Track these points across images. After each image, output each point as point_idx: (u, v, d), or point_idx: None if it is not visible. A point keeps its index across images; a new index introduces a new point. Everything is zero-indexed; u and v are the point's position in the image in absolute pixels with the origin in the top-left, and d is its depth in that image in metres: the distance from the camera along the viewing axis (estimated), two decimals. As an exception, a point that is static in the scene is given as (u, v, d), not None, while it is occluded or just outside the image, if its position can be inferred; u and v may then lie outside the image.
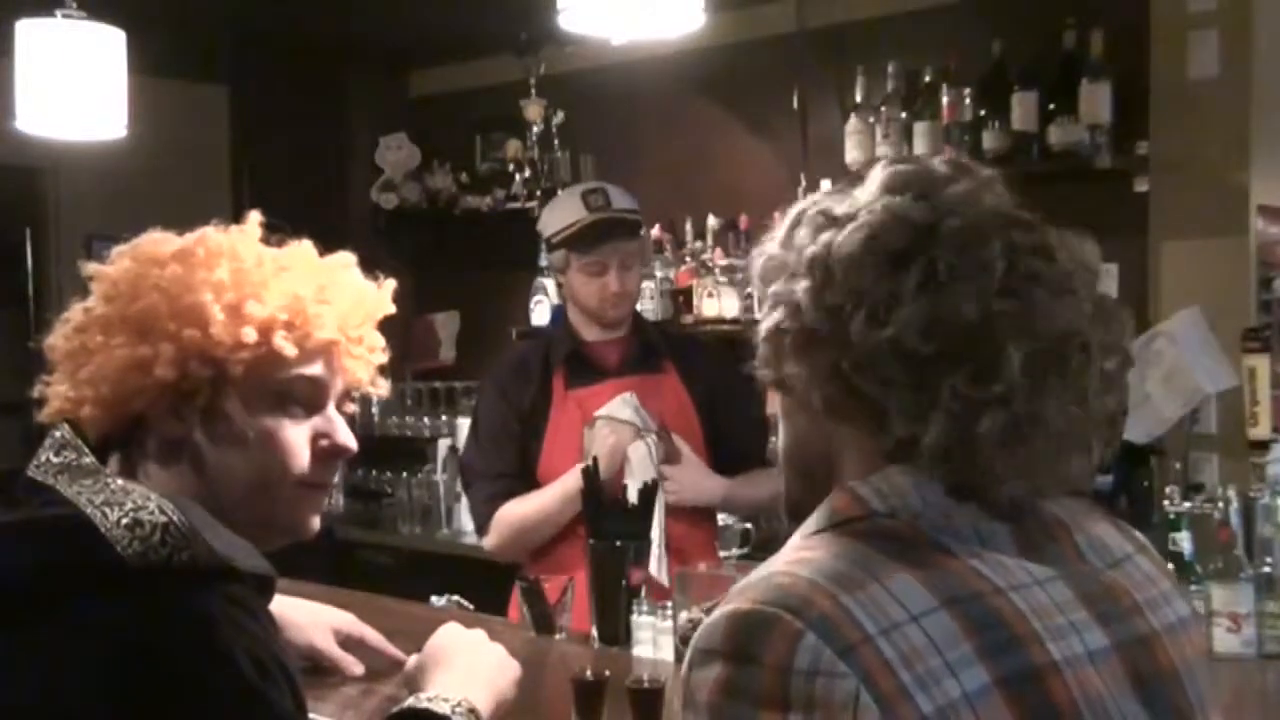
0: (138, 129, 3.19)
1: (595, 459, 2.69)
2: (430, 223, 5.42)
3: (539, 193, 4.78)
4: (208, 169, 5.52)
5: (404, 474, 4.99)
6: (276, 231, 1.46)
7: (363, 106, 5.52)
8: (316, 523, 1.43)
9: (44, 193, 5.33)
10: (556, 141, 4.88)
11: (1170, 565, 1.35)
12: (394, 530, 4.90)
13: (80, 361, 1.34)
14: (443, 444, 4.90)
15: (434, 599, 2.89)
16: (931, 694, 0.92)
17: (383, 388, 1.51)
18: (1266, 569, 2.43)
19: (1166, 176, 3.54)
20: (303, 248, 1.45)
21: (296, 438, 1.38)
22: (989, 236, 1.03)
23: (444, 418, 5.03)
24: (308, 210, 6.05)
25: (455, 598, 2.89)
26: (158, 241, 1.40)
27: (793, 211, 1.12)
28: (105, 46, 3.04)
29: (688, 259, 4.48)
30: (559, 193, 3.44)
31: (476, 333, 5.34)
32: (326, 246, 1.49)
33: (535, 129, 4.88)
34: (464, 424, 3.29)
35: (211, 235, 1.41)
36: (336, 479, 4.65)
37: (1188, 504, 2.52)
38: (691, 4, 2.32)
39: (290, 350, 1.35)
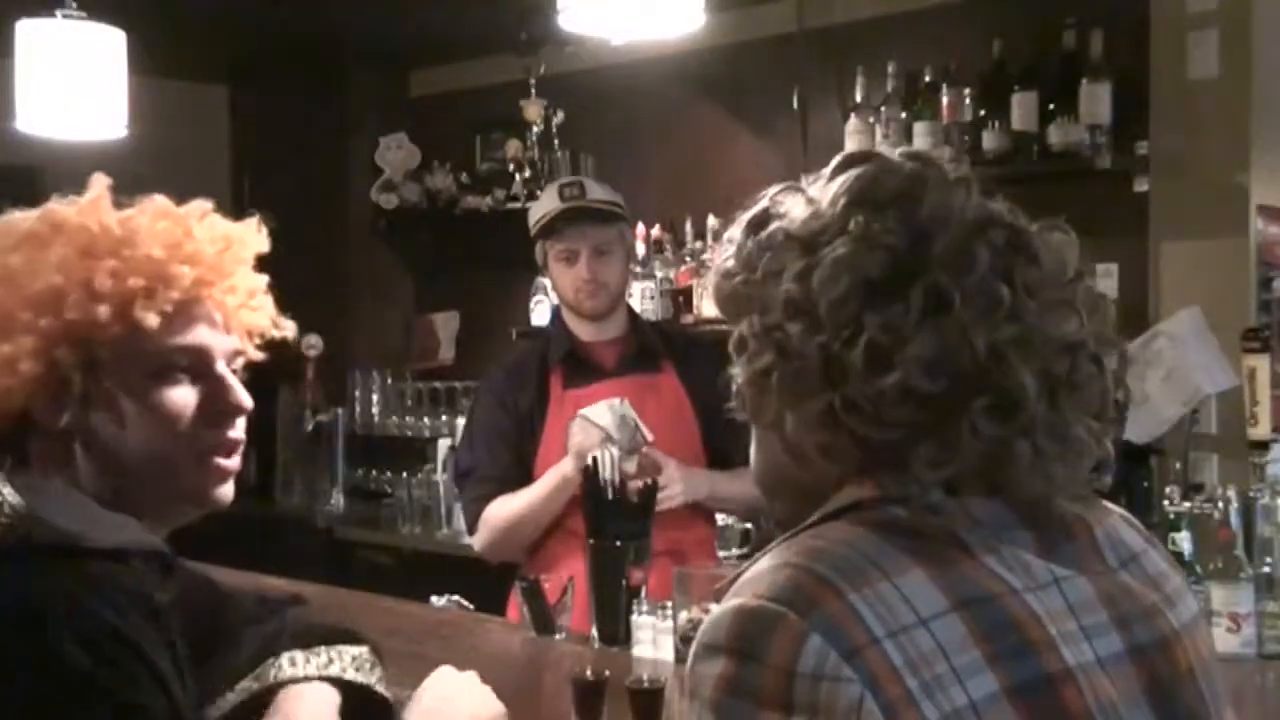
0: (138, 129, 3.19)
1: (595, 459, 2.69)
2: (430, 223, 5.41)
3: (539, 193, 4.78)
4: (208, 169, 5.51)
5: (404, 474, 4.98)
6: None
7: (363, 106, 5.52)
8: (227, 491, 1.35)
9: (44, 193, 5.32)
10: (556, 141, 4.88)
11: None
12: (394, 530, 4.89)
13: None
14: (443, 444, 4.89)
15: (434, 599, 2.89)
16: (937, 701, 0.90)
17: (288, 328, 1.43)
18: (1266, 569, 2.43)
19: (1166, 176, 3.54)
20: (154, 203, 1.36)
21: (181, 407, 1.31)
22: (976, 250, 0.98)
23: (444, 418, 5.02)
24: (308, 210, 6.07)
25: (455, 598, 2.90)
26: (5, 227, 1.33)
27: (744, 220, 1.06)
28: (105, 46, 3.04)
29: (688, 259, 4.48)
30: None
31: (476, 333, 5.34)
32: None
33: (535, 129, 4.88)
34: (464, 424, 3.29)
35: (55, 211, 1.33)
36: (333, 477, 4.55)
37: (1188, 504, 2.52)
38: (691, 4, 2.32)
39: (152, 321, 1.28)
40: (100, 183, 1.36)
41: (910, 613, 0.92)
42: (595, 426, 2.73)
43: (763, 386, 1.02)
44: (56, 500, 1.22)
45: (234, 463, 1.36)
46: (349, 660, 1.45)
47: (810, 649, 0.90)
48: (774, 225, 1.04)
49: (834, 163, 1.06)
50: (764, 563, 0.97)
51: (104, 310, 1.26)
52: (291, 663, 1.42)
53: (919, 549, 0.96)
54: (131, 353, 1.29)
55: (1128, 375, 1.06)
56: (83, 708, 1.12)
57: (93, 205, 1.34)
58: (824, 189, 1.04)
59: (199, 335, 1.33)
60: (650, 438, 2.77)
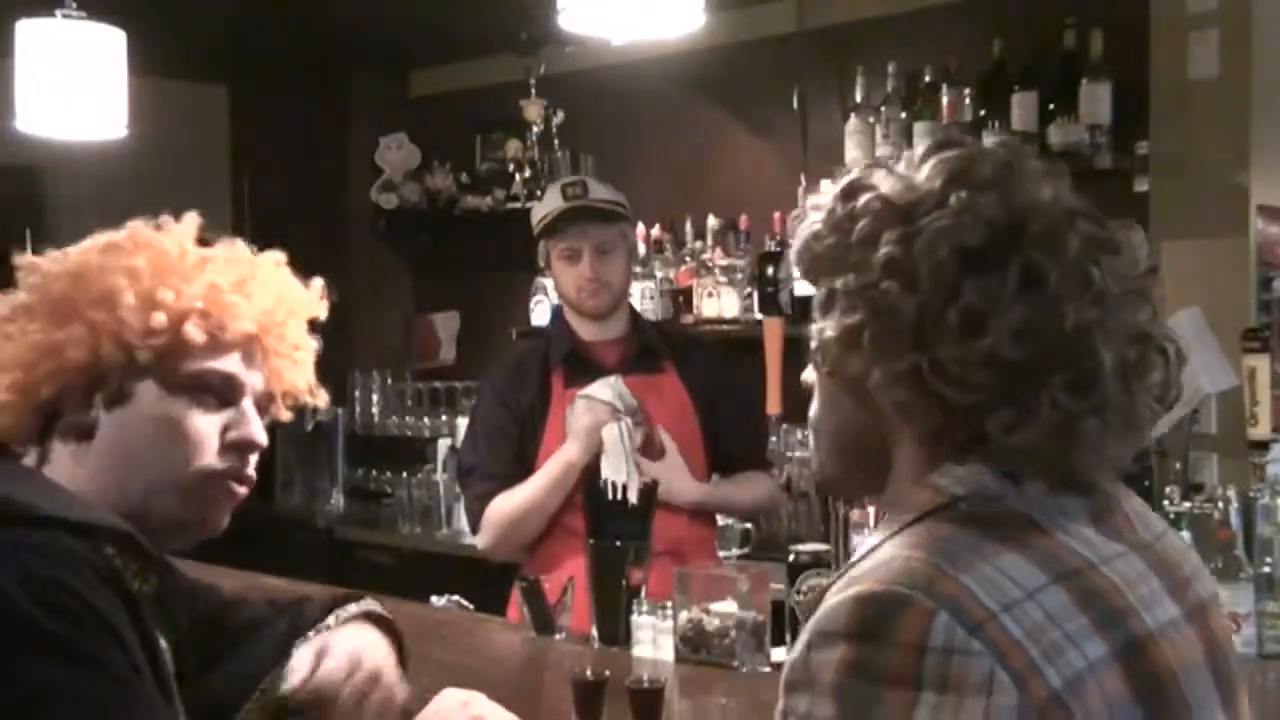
0: (138, 129, 3.19)
1: (597, 460, 2.70)
2: (430, 223, 5.42)
3: (539, 193, 4.77)
4: (208, 169, 5.51)
5: (404, 474, 4.98)
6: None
7: (363, 106, 5.52)
8: (225, 518, 1.40)
9: (44, 193, 5.33)
10: (556, 141, 4.88)
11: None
12: (394, 530, 4.90)
13: (2, 349, 1.33)
14: (443, 444, 4.90)
15: (434, 599, 2.89)
16: (1059, 667, 0.95)
17: (321, 398, 1.48)
18: (1266, 569, 2.42)
19: (1166, 176, 3.54)
20: (233, 245, 1.43)
21: (203, 428, 1.35)
22: (1068, 237, 1.03)
23: (444, 418, 5.02)
24: (308, 210, 6.06)
25: (455, 598, 2.90)
26: (98, 239, 1.40)
27: (835, 189, 1.10)
28: (105, 46, 3.04)
29: (688, 259, 4.48)
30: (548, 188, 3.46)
31: (476, 333, 5.34)
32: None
33: (535, 129, 4.88)
34: (464, 424, 3.29)
35: (141, 228, 1.40)
36: (333, 477, 4.54)
37: (1188, 504, 2.52)
38: (691, 4, 2.32)
39: (199, 337, 1.33)
40: (193, 220, 1.42)
41: (1016, 588, 0.97)
42: (600, 403, 2.75)
43: (852, 342, 1.05)
44: (27, 480, 1.26)
45: (240, 490, 1.39)
46: (374, 603, 1.61)
47: (939, 625, 0.93)
48: (868, 195, 1.07)
49: (924, 147, 1.11)
50: (872, 559, 1.01)
51: (159, 319, 1.32)
52: (317, 632, 1.53)
53: (1003, 535, 1.01)
54: (171, 365, 1.34)
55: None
56: (38, 657, 1.12)
57: (180, 232, 1.41)
58: (915, 168, 1.08)
59: (236, 366, 1.38)
60: (646, 411, 2.82)
